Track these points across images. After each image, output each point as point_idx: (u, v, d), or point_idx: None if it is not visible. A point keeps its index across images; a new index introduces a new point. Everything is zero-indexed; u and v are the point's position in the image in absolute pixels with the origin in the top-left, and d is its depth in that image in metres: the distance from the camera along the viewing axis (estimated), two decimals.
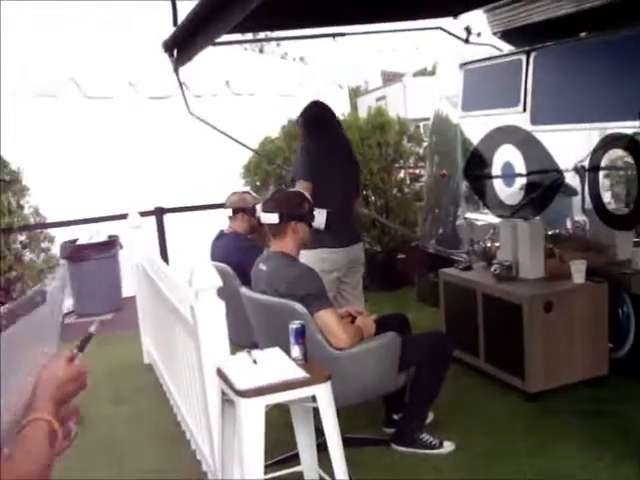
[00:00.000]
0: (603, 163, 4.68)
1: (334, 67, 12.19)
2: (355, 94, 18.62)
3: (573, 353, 4.61)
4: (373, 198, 7.82)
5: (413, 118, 12.70)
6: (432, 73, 12.82)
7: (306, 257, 4.34)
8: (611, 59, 4.66)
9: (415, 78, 18.81)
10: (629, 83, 4.51)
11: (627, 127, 4.47)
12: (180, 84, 5.60)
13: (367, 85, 24.03)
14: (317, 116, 4.98)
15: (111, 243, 7.88)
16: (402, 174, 8.22)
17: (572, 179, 4.96)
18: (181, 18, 4.62)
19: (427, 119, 7.55)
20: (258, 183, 7.93)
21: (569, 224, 5.18)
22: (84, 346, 1.59)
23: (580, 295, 4.62)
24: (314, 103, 5.05)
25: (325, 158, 4.78)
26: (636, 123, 4.39)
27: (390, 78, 24.13)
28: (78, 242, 7.88)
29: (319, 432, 3.32)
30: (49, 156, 7.76)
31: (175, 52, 5.19)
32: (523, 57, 5.41)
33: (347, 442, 3.26)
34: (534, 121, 5.32)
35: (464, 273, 5.25)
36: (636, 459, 3.74)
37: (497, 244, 5.18)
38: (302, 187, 4.54)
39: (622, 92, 4.59)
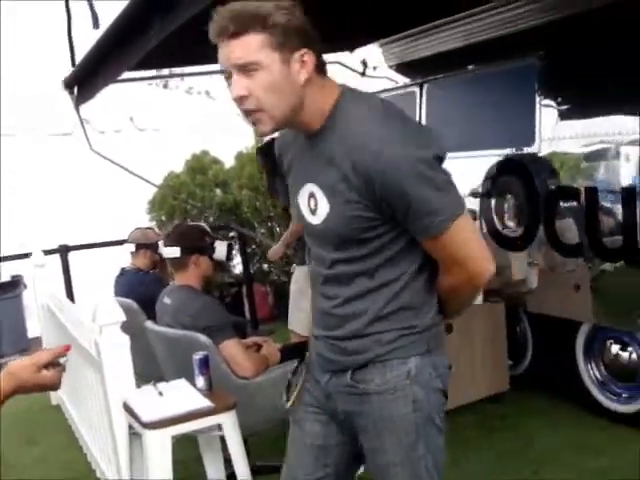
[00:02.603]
0: (494, 188, 4.87)
1: None
2: None
3: (475, 371, 4.78)
4: (278, 229, 7.90)
5: None
6: None
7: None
8: (497, 90, 4.88)
9: None
10: (514, 112, 4.74)
11: (516, 153, 4.69)
12: (81, 121, 5.58)
13: None
14: None
15: (14, 283, 7.72)
16: None
17: (472, 204, 5.12)
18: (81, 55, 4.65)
19: None
20: (163, 218, 7.92)
21: None
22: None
23: (479, 315, 4.79)
24: None
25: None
26: (524, 149, 4.62)
27: None
28: None
29: (229, 463, 3.36)
30: None
31: (76, 90, 5.19)
32: (416, 89, 5.60)
33: (258, 470, 3.31)
34: None
35: None
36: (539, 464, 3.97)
37: None
38: None
39: (508, 120, 4.81)
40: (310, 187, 1.96)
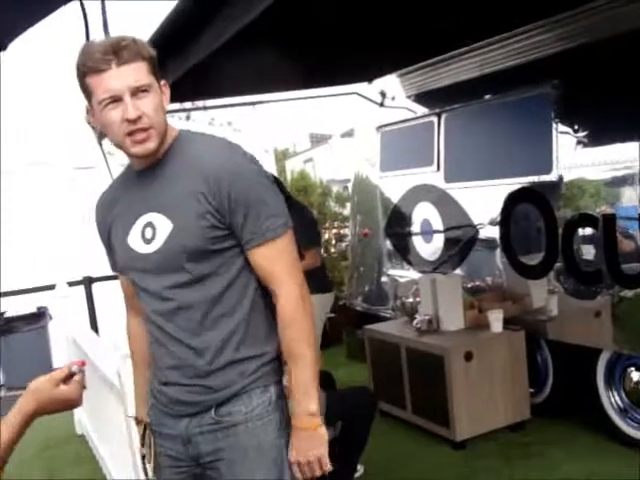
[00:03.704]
0: (512, 216, 4.89)
1: (261, 131, 12.36)
2: (283, 157, 18.86)
3: (496, 400, 4.77)
4: None
5: (340, 179, 12.95)
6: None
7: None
8: (514, 119, 4.92)
9: (342, 139, 19.16)
10: (531, 141, 4.77)
11: (533, 181, 4.71)
12: (104, 155, 5.66)
13: (295, 148, 24.31)
14: None
15: (40, 315, 7.81)
16: (327, 235, 8.37)
17: (491, 233, 5.14)
18: None
19: None
20: None
21: (488, 276, 5.35)
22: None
23: (499, 343, 4.81)
24: None
25: None
26: (540, 177, 4.64)
27: (318, 140, 24.48)
28: (6, 314, 7.79)
29: None
30: None
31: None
32: (435, 119, 5.65)
33: None
34: (447, 179, 5.53)
35: (388, 328, 5.40)
36: None
37: (419, 299, 5.34)
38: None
39: (526, 149, 4.84)
40: (146, 217, 2.03)
